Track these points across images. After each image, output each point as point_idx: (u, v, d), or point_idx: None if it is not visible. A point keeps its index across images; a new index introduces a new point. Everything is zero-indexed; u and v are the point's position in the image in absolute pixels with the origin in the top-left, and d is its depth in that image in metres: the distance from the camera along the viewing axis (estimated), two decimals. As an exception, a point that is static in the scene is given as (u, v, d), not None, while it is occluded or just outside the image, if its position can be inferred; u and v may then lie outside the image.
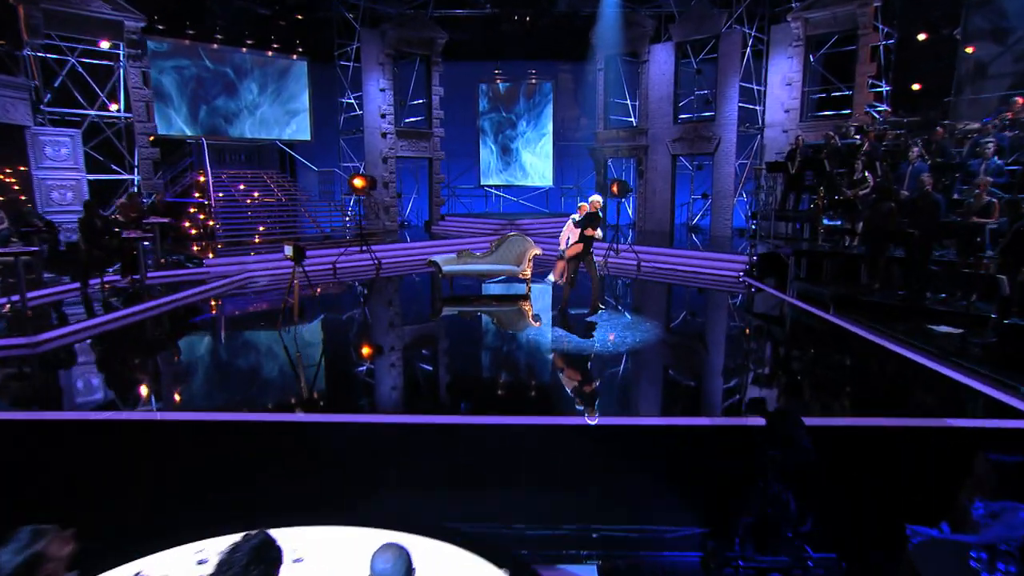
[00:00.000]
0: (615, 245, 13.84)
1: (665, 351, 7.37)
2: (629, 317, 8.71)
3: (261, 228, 16.40)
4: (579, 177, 21.79)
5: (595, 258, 8.88)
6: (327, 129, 19.75)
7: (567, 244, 9.13)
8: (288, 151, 19.62)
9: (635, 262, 13.38)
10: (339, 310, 9.92)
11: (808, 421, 3.60)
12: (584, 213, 8.57)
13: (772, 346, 8.01)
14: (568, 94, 21.42)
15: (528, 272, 10.06)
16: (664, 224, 18.20)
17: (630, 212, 20.48)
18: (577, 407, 5.61)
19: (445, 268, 10.06)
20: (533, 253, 10.10)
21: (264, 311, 9.59)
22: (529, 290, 10.12)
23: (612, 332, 7.73)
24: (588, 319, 8.35)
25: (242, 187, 17.74)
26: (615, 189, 13.47)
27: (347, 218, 18.17)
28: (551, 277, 9.24)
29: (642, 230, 18.50)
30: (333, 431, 4.97)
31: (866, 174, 9.84)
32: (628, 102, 19.10)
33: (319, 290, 11.33)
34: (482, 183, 22.00)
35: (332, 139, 19.79)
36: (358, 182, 14.10)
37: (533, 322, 8.40)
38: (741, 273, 12.07)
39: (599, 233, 8.51)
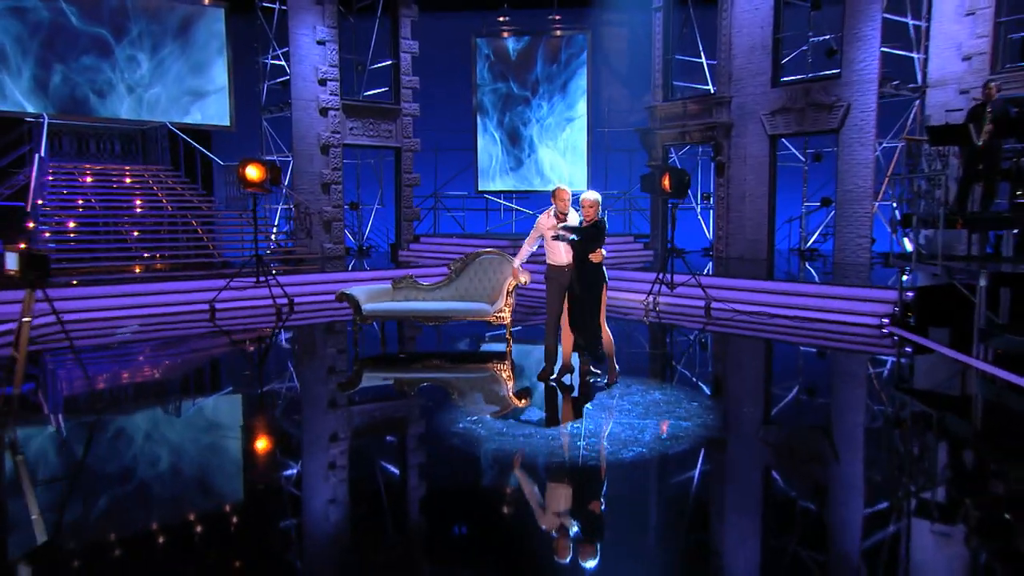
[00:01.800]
0: (666, 275, 12.81)
1: (756, 466, 5.96)
2: (686, 396, 7.50)
3: (151, 253, 15.13)
4: (631, 180, 20.30)
5: (609, 294, 7.78)
6: (251, 109, 18.61)
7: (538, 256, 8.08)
8: (185, 139, 18.00)
9: (702, 303, 12.35)
10: (147, 384, 8.26)
11: None
12: (588, 220, 7.28)
13: (956, 455, 6.33)
14: (612, 54, 19.98)
15: (507, 313, 8.99)
16: (760, 247, 16.76)
17: (707, 230, 19.17)
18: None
19: (367, 307, 9.07)
20: (515, 282, 8.84)
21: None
22: (511, 344, 9.20)
23: (664, 421, 6.54)
24: (605, 398, 7.20)
25: (115, 187, 16.30)
26: (666, 183, 12.36)
27: (271, 237, 16.65)
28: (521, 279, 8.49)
29: (724, 257, 17.20)
30: None
31: None
32: (702, 60, 17.91)
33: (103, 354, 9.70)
34: (480, 189, 20.78)
35: (259, 122, 18.77)
36: (252, 171, 12.81)
37: (515, 400, 7.35)
38: (885, 320, 11.05)
39: (602, 254, 7.21)
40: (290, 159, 17.61)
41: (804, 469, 5.81)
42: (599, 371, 7.60)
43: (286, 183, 17.70)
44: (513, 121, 20.34)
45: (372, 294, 9.48)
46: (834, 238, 15.92)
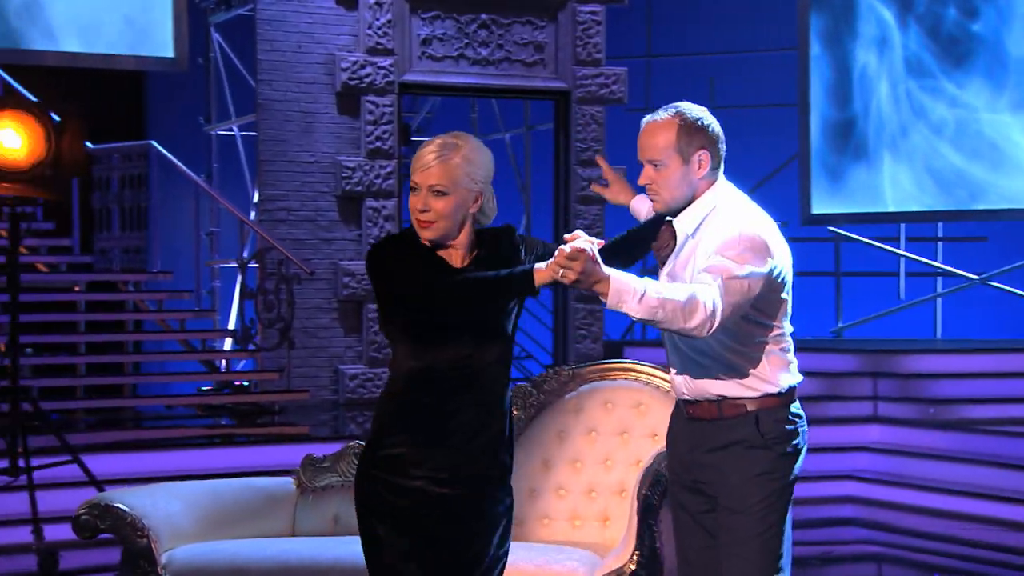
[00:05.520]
0: None
1: None
2: None
3: None
4: None
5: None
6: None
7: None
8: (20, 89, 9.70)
9: None
10: None
11: None
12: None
13: None
14: None
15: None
16: None
17: None
18: None
19: (176, 556, 5.75)
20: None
21: None
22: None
23: None
24: None
25: None
26: None
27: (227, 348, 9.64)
28: None
29: None
30: None
31: None
32: None
33: None
34: (817, 211, 11.66)
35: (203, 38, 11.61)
36: (9, 137, 7.31)
37: None
38: None
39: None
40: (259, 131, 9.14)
41: None
42: None
43: (255, 197, 9.79)
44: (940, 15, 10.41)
45: (220, 509, 5.48)
46: None
